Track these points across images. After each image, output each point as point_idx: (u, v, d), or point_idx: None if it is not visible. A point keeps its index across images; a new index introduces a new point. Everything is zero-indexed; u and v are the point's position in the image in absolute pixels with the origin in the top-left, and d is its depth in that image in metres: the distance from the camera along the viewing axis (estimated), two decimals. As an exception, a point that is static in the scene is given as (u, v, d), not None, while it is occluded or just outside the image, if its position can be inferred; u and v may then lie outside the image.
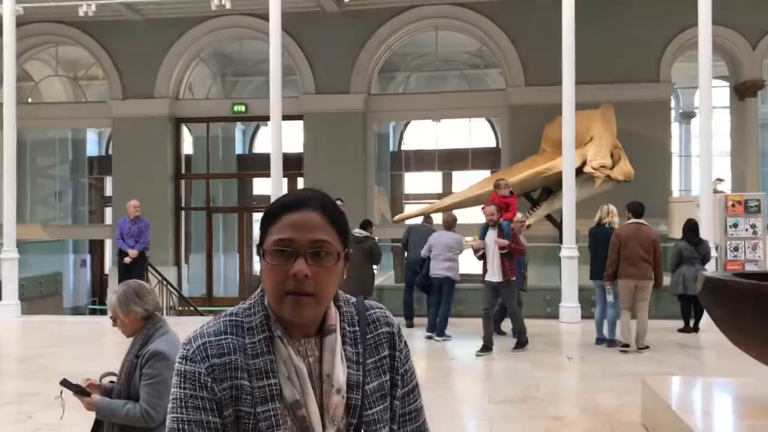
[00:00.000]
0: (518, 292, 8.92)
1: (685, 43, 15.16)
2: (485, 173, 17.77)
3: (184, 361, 1.28)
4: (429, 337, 9.28)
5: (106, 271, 18.87)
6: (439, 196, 17.85)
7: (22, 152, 17.47)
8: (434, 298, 9.42)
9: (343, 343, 1.34)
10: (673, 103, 17.85)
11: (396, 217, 15.63)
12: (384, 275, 13.95)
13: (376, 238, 10.92)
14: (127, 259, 10.84)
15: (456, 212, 11.70)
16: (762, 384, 5.14)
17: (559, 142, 11.32)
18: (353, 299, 1.42)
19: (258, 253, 1.32)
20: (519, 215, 9.90)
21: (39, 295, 14.82)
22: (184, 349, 1.29)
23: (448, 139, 19.28)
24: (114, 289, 3.17)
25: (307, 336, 1.31)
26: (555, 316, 10.59)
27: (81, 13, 13.96)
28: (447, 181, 19.81)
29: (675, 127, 18.98)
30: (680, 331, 9.46)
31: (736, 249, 11.02)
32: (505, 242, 8.20)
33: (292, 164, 16.23)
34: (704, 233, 9.67)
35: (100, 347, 8.89)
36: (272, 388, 1.26)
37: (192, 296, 16.23)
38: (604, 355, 8.28)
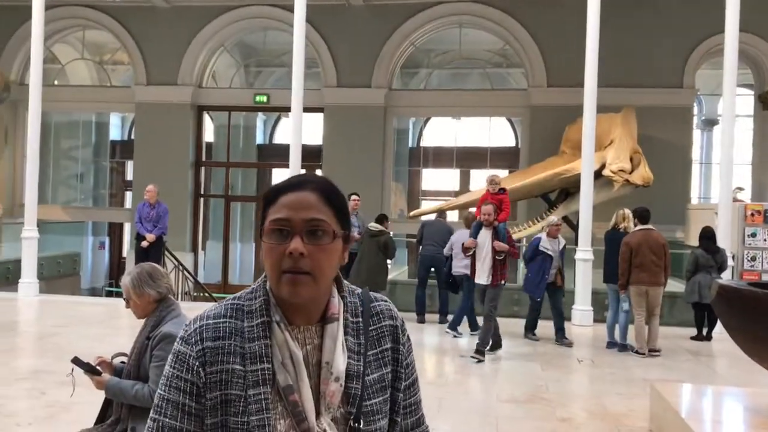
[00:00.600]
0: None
1: (710, 50, 14.99)
2: (503, 172, 17.70)
3: (180, 342, 1.33)
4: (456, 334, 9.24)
5: (124, 254, 19.08)
6: (456, 194, 17.84)
7: (47, 134, 17.71)
8: (464, 294, 9.41)
9: (345, 333, 1.35)
10: (695, 110, 17.68)
11: (411, 213, 15.64)
12: (398, 270, 13.96)
13: (392, 232, 10.94)
14: (144, 243, 10.93)
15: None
16: (772, 395, 5.10)
17: (579, 144, 11.26)
18: (359, 290, 1.43)
19: (258, 236, 1.34)
20: (553, 218, 9.69)
21: (57, 275, 15.00)
22: (184, 330, 1.34)
23: (468, 137, 19.24)
24: (128, 271, 3.21)
25: (308, 323, 1.33)
26: (567, 318, 10.53)
27: (109, -2, 14.08)
28: (464, 179, 19.78)
29: (697, 134, 18.80)
30: (693, 339, 9.40)
31: (753, 259, 10.91)
32: (506, 247, 7.86)
33: (312, 156, 16.30)
34: (722, 242, 9.58)
35: (114, 329, 9.00)
36: (265, 372, 1.28)
37: (207, 282, 16.36)
38: (614, 359, 8.25)
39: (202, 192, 17.92)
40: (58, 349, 7.42)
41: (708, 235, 9.31)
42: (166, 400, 1.30)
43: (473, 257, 8.05)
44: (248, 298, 1.34)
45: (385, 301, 1.45)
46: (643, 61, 14.93)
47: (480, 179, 18.06)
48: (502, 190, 9.82)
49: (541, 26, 15.57)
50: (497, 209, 8.32)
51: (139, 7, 16.69)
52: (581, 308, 10.40)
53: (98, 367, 3.11)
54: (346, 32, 16.16)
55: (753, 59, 15.46)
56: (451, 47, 17.61)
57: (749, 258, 10.90)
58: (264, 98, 17.09)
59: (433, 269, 10.16)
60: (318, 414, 1.29)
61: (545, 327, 9.27)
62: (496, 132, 19.52)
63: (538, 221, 13.81)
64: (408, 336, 1.45)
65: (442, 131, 20.16)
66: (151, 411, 1.32)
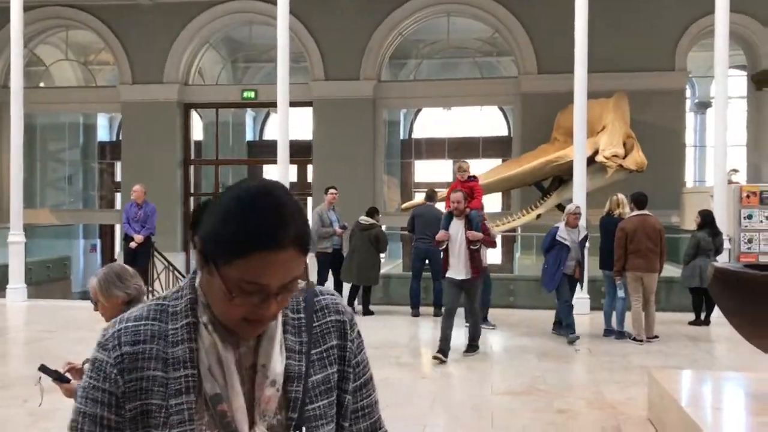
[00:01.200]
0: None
1: (701, 31, 14.85)
2: (496, 161, 17.61)
3: (97, 348, 1.18)
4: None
5: (116, 256, 18.90)
6: (449, 185, 17.69)
7: (33, 136, 17.51)
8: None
9: (285, 331, 1.21)
10: (688, 93, 17.56)
11: (403, 206, 15.50)
12: (392, 263, 13.84)
13: (383, 226, 10.80)
14: (132, 244, 10.78)
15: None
16: (773, 379, 4.99)
17: (571, 131, 11.11)
18: (302, 284, 1.26)
19: (192, 241, 1.16)
20: (572, 206, 8.84)
21: (47, 279, 14.84)
22: (101, 335, 1.19)
23: (459, 127, 19.10)
24: (96, 272, 3.06)
25: None
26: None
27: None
28: (457, 170, 19.61)
29: (690, 117, 18.70)
30: (691, 324, 9.29)
31: (750, 241, 10.80)
32: (479, 235, 7.29)
33: (302, 151, 16.13)
34: (718, 225, 9.49)
35: (103, 332, 8.84)
36: (188, 379, 1.14)
37: (199, 282, 16.17)
38: (611, 347, 8.14)
39: (191, 191, 17.73)
40: (46, 355, 7.26)
41: (710, 219, 9.23)
42: (83, 414, 1.17)
43: (446, 251, 7.47)
44: (174, 298, 1.20)
45: (332, 294, 1.30)
46: (634, 44, 14.79)
47: (473, 169, 17.91)
48: (473, 177, 9.71)
49: (530, 13, 15.40)
50: (467, 197, 7.82)
51: (122, 5, 16.46)
52: (577, 296, 10.26)
53: (67, 374, 2.96)
54: (332, 24, 15.97)
55: (745, 40, 15.33)
56: (440, 37, 17.43)
57: (746, 240, 10.80)
58: (252, 94, 16.89)
59: (427, 261, 10.02)
60: (252, 423, 1.15)
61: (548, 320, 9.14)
62: (488, 121, 19.41)
63: (532, 210, 13.69)
64: (358, 332, 1.30)
65: (433, 122, 20.02)
66: (68, 427, 1.19)
